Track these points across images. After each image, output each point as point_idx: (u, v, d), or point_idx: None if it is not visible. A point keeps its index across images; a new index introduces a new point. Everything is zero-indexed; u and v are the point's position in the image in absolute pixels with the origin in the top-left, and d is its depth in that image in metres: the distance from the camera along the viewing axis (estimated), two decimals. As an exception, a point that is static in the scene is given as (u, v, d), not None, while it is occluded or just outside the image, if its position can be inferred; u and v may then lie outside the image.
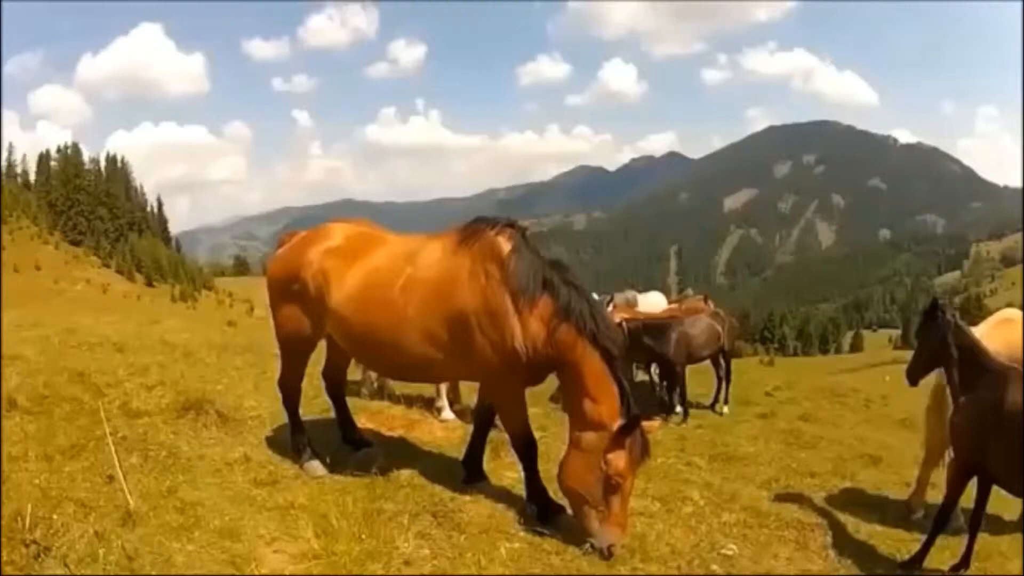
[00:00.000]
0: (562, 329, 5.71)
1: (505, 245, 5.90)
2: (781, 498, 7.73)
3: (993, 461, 5.73)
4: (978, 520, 6.13)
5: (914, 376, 6.62)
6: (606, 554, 5.47)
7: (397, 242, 6.57)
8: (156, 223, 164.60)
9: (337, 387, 7.48)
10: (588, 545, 5.57)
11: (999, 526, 7.28)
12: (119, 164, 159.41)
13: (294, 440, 7.00)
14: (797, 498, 7.71)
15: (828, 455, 10.08)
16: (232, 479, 6.33)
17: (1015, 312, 8.70)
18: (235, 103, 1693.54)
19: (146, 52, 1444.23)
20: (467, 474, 6.75)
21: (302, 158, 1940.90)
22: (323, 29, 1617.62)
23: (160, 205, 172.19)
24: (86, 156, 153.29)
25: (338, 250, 6.45)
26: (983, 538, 6.32)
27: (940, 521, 6.17)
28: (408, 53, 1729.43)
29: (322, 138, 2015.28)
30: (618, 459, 5.53)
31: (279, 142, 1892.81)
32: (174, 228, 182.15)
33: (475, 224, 6.14)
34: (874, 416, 14.94)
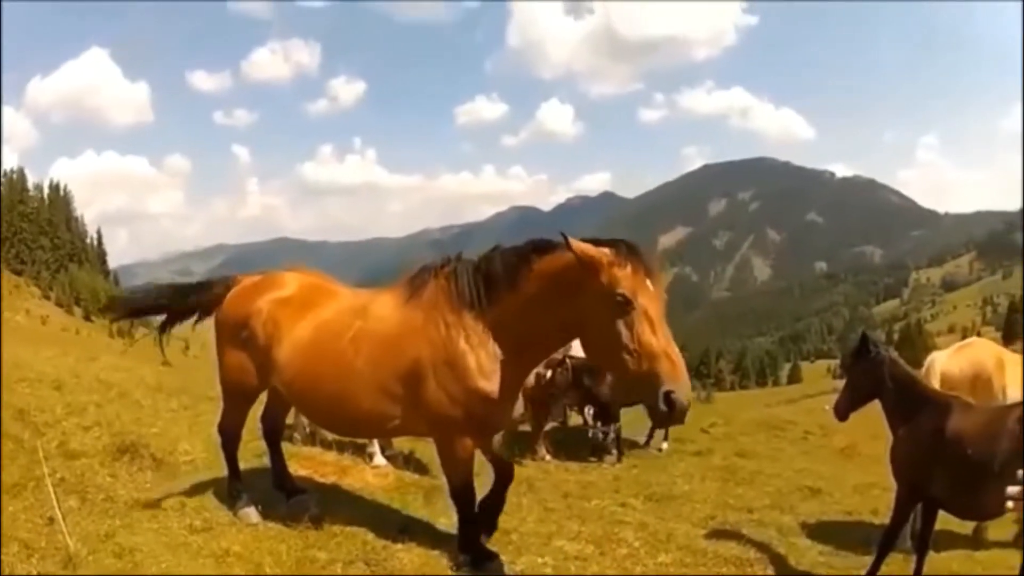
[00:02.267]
0: None
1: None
2: (718, 535, 7.77)
3: (938, 487, 5.98)
4: (925, 542, 6.40)
5: (843, 411, 6.95)
6: (678, 405, 4.70)
7: (348, 295, 6.55)
8: (95, 255, 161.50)
9: (274, 433, 7.39)
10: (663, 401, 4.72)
11: (951, 541, 7.60)
12: (62, 192, 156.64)
13: (230, 486, 6.95)
14: (735, 534, 7.77)
15: (766, 489, 10.25)
16: (168, 525, 6.31)
17: (977, 338, 9.17)
18: (176, 135, 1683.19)
19: (93, 77, 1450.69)
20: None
21: (239, 194, 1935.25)
22: (265, 63, 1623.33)
23: (100, 237, 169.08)
24: (30, 182, 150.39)
25: (289, 300, 6.41)
26: (934, 557, 6.60)
27: (885, 544, 6.40)
28: (348, 90, 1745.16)
29: (260, 174, 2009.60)
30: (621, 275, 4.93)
31: (217, 177, 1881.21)
32: (112, 261, 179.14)
33: (421, 274, 6.04)
34: (813, 447, 15.23)
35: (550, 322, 5.40)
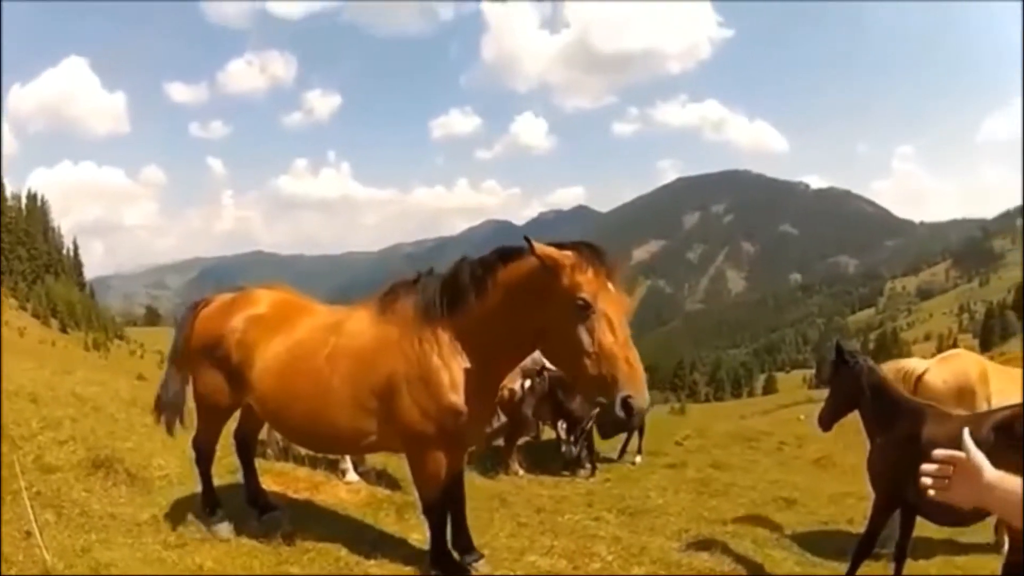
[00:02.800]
0: None
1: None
2: (693, 548, 7.78)
3: (914, 494, 5.96)
4: (903, 550, 6.49)
5: (827, 422, 7.10)
6: (635, 410, 4.80)
7: (322, 312, 6.57)
8: (71, 267, 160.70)
9: (247, 449, 7.39)
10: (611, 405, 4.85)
11: (929, 547, 7.68)
12: (39, 203, 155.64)
13: (204, 502, 6.97)
14: (709, 547, 7.77)
15: (741, 501, 10.28)
16: (143, 540, 6.34)
17: (960, 350, 9.26)
18: (152, 146, 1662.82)
19: (71, 86, 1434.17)
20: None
21: (214, 207, 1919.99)
22: (242, 75, 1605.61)
23: (76, 248, 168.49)
24: (8, 191, 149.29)
25: (263, 319, 6.42)
26: (913, 564, 6.71)
27: (860, 552, 6.51)
28: (323, 103, 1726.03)
29: (235, 187, 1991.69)
30: (582, 279, 4.99)
31: (192, 189, 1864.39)
32: (88, 273, 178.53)
33: (395, 289, 6.08)
34: (788, 458, 15.30)
35: (518, 330, 5.43)
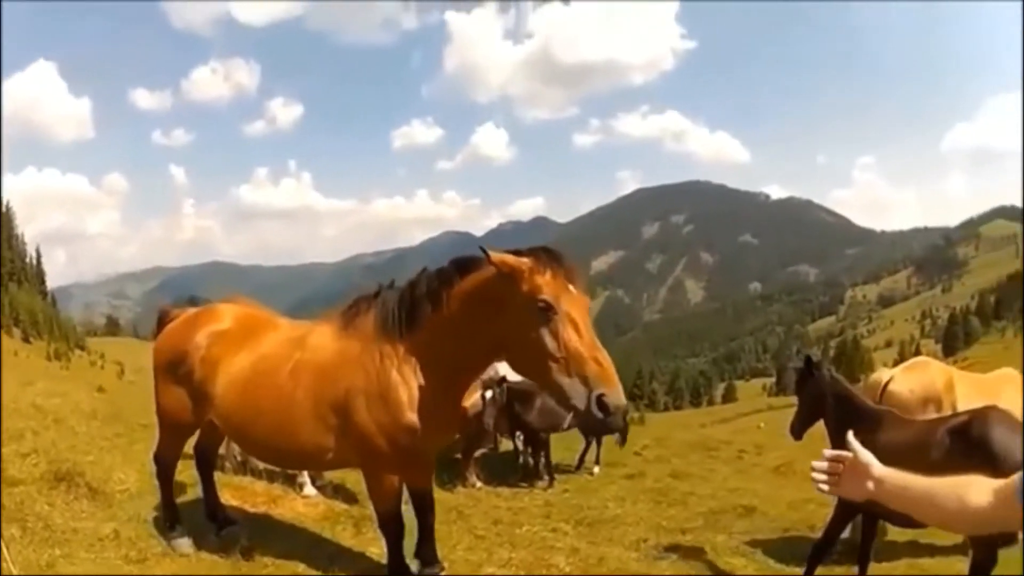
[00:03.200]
0: None
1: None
2: (651, 557, 7.83)
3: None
4: (867, 554, 6.70)
5: (797, 431, 7.34)
6: (612, 407, 4.68)
7: (286, 327, 6.55)
8: (34, 275, 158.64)
9: (206, 463, 7.38)
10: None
11: (894, 551, 7.82)
12: (4, 209, 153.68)
13: (165, 516, 6.99)
14: (667, 556, 7.84)
15: (700, 510, 10.30)
16: (105, 555, 6.37)
17: (925, 358, 9.33)
18: (115, 154, 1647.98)
19: (39, 91, 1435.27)
20: None
21: (175, 216, 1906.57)
22: (206, 82, 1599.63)
23: (39, 257, 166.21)
24: None
25: (226, 334, 6.40)
26: (877, 567, 6.86)
27: (816, 554, 6.76)
28: (285, 112, 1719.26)
29: (196, 196, 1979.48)
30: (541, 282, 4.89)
31: (154, 198, 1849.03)
32: (50, 282, 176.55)
33: (357, 303, 6.05)
34: (747, 466, 15.38)
35: (478, 341, 5.37)
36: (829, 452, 2.41)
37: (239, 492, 8.73)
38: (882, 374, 9.30)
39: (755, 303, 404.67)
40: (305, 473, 9.21)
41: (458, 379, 5.74)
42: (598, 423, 4.53)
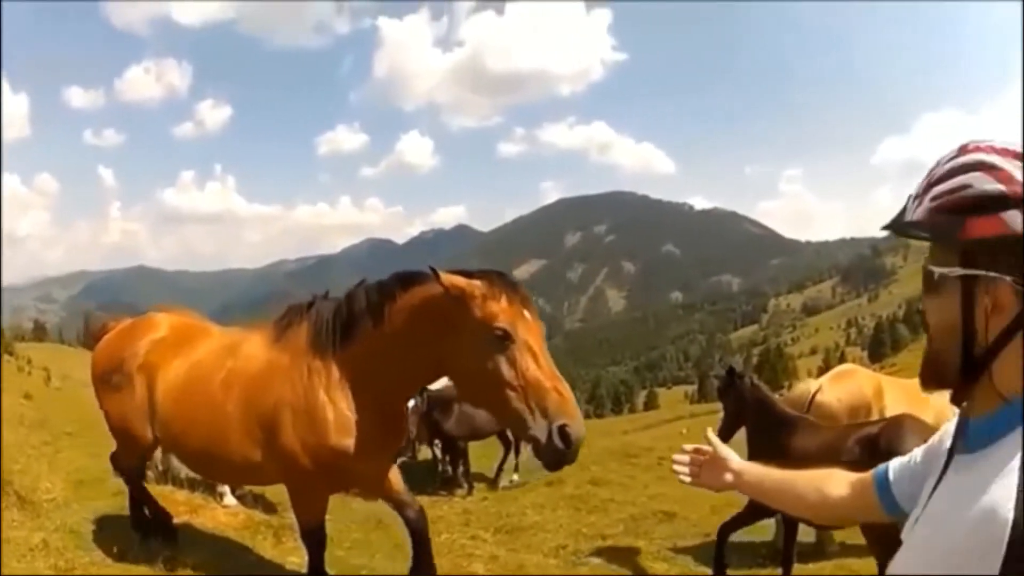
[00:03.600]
0: None
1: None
2: (570, 564, 7.88)
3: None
4: (789, 555, 6.93)
5: (723, 438, 7.26)
6: (573, 438, 4.42)
7: (219, 334, 6.45)
8: None
9: (138, 473, 7.31)
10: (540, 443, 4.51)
11: (821, 552, 8.09)
12: None
13: (133, 521, 7.20)
14: (587, 562, 7.90)
15: (619, 516, 10.33)
16: (35, 565, 6.33)
17: (852, 366, 9.45)
18: (47, 153, 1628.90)
19: None
20: None
21: (102, 219, 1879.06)
22: (139, 82, 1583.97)
23: None
24: None
25: (162, 341, 6.32)
26: (802, 568, 7.12)
27: (720, 541, 7.24)
28: (214, 115, 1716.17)
29: (123, 199, 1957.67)
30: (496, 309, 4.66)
31: (83, 199, 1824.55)
32: None
33: (289, 314, 5.87)
34: (668, 473, 15.16)
35: (419, 360, 5.11)
36: (689, 446, 2.52)
37: (161, 501, 8.50)
38: (809, 384, 9.37)
39: (677, 312, 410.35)
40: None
41: (393, 398, 5.55)
42: (558, 454, 4.21)
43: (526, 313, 4.68)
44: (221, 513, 8.71)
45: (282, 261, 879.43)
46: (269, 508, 9.11)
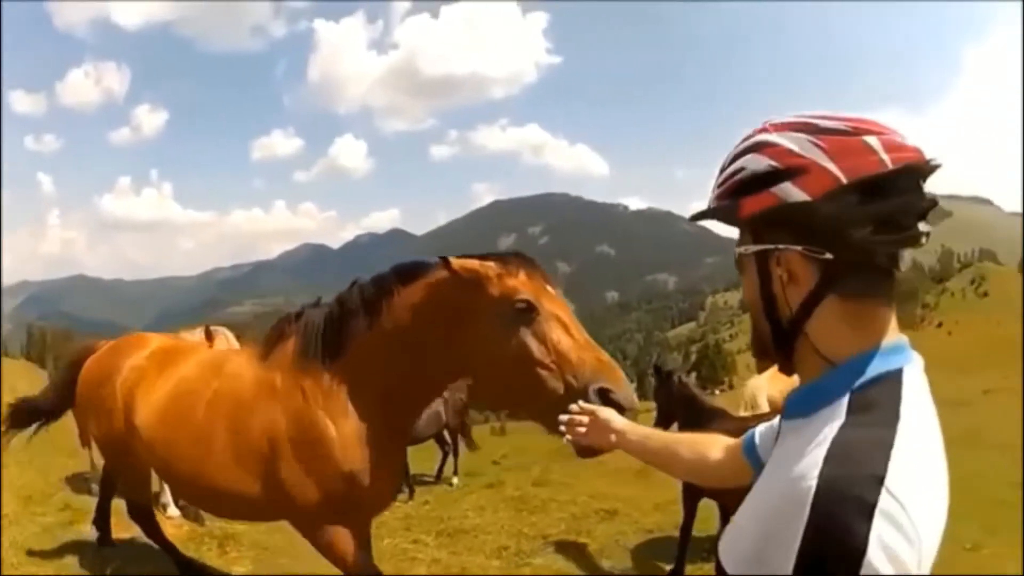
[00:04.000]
0: None
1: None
2: (513, 564, 7.92)
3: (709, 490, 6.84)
4: None
5: None
6: (626, 404, 3.61)
7: (208, 353, 6.05)
8: None
9: (111, 486, 7.29)
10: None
11: None
12: None
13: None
14: (529, 562, 7.95)
15: (561, 515, 10.35)
16: None
17: None
18: None
19: None
20: None
21: (41, 227, 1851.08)
22: (79, 86, 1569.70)
23: None
24: None
25: (150, 357, 5.89)
26: None
27: (684, 539, 7.51)
28: (151, 119, 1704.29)
29: (61, 206, 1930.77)
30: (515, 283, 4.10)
31: (23, 207, 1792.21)
32: None
33: (279, 326, 5.18)
34: (609, 471, 15.43)
35: (428, 362, 4.47)
36: (574, 406, 2.67)
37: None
38: (757, 381, 9.45)
39: (613, 311, 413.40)
40: (167, 493, 9.02)
41: (401, 412, 4.81)
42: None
43: (550, 288, 4.13)
44: (166, 524, 8.42)
45: (217, 268, 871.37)
46: (212, 518, 8.86)
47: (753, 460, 2.03)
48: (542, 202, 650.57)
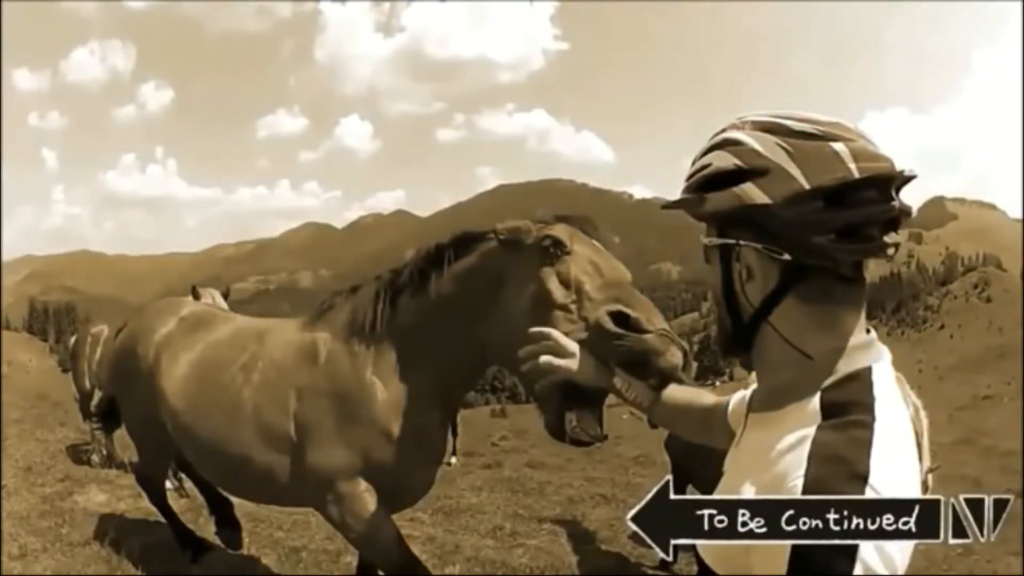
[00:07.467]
0: None
1: None
2: (507, 545, 7.98)
3: (694, 473, 6.53)
4: None
5: (653, 424, 7.58)
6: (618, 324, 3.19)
7: (246, 320, 5.56)
8: None
9: (160, 481, 6.80)
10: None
11: None
12: None
13: (180, 543, 6.42)
14: (523, 543, 8.00)
15: (557, 499, 10.49)
16: None
17: None
18: None
19: None
20: None
21: (45, 202, 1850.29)
22: (84, 63, 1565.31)
23: None
24: None
25: (182, 320, 5.53)
26: None
27: None
28: (156, 97, 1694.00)
29: (66, 182, 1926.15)
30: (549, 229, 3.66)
31: (27, 183, 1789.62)
32: None
33: (332, 298, 4.83)
34: (607, 456, 15.55)
35: (479, 330, 3.93)
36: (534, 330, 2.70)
37: (107, 486, 8.73)
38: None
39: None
40: None
41: (452, 386, 4.38)
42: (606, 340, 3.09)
43: (589, 239, 3.67)
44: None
45: (220, 245, 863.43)
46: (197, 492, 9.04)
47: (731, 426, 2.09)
48: (547, 187, 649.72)
